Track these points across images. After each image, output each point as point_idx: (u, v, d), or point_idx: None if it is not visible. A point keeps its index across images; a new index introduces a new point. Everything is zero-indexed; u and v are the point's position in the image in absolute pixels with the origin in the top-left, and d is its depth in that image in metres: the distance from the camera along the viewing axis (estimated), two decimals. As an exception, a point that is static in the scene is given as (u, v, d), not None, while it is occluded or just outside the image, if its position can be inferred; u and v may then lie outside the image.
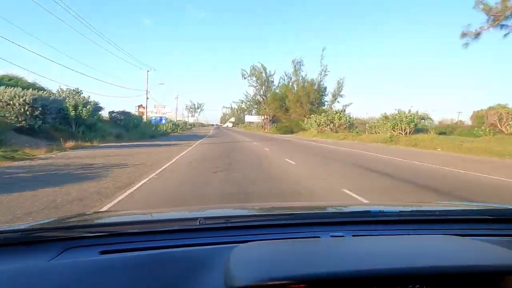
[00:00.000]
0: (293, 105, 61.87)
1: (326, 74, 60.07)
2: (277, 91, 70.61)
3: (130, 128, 35.05)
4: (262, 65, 76.99)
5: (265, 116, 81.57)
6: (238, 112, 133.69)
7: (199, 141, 29.41)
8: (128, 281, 1.01)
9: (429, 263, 0.98)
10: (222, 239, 1.34)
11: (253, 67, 76.96)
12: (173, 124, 70.82)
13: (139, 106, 77.23)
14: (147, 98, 60.04)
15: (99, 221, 1.81)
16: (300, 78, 61.83)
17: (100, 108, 35.06)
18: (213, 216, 1.74)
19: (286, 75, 71.13)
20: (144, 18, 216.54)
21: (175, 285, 0.98)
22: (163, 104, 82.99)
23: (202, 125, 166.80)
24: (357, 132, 40.43)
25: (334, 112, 45.18)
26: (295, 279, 0.86)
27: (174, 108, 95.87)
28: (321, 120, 45.26)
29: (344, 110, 45.47)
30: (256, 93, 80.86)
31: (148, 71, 59.91)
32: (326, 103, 61.84)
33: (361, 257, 1.04)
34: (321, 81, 60.34)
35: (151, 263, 1.11)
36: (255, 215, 1.90)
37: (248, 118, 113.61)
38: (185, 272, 1.03)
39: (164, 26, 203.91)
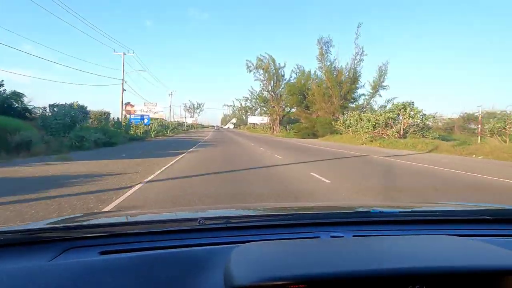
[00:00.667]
0: (318, 100, 44.92)
1: (362, 59, 43.32)
2: (294, 82, 53.71)
3: (56, 131, 18.37)
4: (270, 56, 61.14)
5: (274, 116, 65.84)
6: (240, 113, 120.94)
7: (173, 161, 12.82)
8: (128, 281, 0.98)
9: (429, 263, 0.96)
10: (222, 240, 1.31)
11: (259, 58, 61.14)
12: (160, 125, 54.33)
13: (126, 104, 62.11)
14: (124, 90, 43.78)
15: (99, 221, 1.74)
16: (328, 63, 44.92)
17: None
18: (213, 217, 1.69)
19: (298, 67, 55.09)
20: (145, 18, 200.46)
21: (175, 285, 0.95)
22: (154, 102, 68.04)
23: (202, 126, 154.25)
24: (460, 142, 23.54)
25: (401, 106, 28.07)
26: (295, 279, 0.84)
27: (168, 107, 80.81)
28: (379, 119, 28.44)
29: (413, 103, 28.48)
30: (263, 88, 65.29)
31: (124, 53, 43.69)
32: (362, 97, 45.08)
33: (361, 258, 1.01)
34: (355, 67, 43.56)
35: (151, 263, 1.07)
36: (255, 216, 1.81)
37: (251, 119, 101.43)
38: (185, 272, 1.00)
39: (164, 25, 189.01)
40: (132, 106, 61.75)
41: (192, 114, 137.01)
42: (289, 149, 21.34)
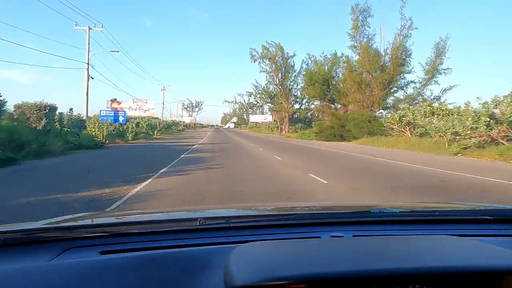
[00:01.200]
0: (351, 89, 32.76)
1: (410, 34, 31.22)
2: (313, 69, 41.37)
3: None
4: (277, 44, 49.59)
5: (283, 114, 54.52)
6: (241, 111, 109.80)
7: None
8: (128, 281, 0.96)
9: (429, 263, 0.95)
10: (222, 239, 1.30)
11: (265, 46, 49.73)
12: (148, 125, 42.35)
13: (112, 101, 50.74)
14: (90, 78, 32.18)
15: (100, 221, 1.73)
16: (365, 39, 32.67)
17: None
18: (214, 217, 1.67)
19: (310, 57, 43.37)
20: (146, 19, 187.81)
21: (176, 285, 0.94)
22: (144, 99, 56.91)
23: (201, 125, 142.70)
24: None
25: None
26: (295, 279, 0.83)
27: (161, 104, 69.24)
28: (502, 113, 15.96)
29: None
30: (269, 81, 53.88)
31: (90, 27, 31.97)
32: (412, 85, 32.89)
33: (361, 257, 1.00)
34: (403, 44, 31.34)
35: (151, 263, 1.06)
36: (255, 215, 1.78)
37: (253, 118, 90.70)
38: (185, 272, 0.99)
39: (163, 24, 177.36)
40: (119, 103, 50.22)
41: (191, 113, 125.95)
42: (377, 177, 9.33)
